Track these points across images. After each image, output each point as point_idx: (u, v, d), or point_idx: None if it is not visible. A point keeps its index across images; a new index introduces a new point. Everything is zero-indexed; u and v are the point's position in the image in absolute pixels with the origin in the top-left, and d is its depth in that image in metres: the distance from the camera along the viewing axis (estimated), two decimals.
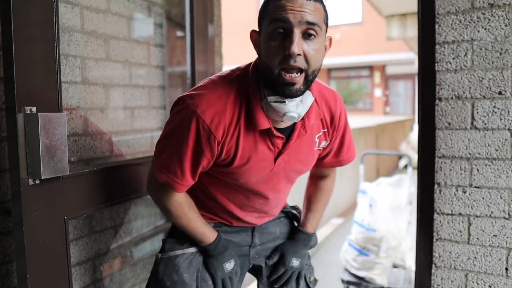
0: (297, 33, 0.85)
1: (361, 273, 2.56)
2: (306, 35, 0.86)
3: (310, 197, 1.31)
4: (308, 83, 0.91)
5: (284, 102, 0.90)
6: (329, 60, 13.32)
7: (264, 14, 0.90)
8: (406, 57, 11.94)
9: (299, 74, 0.88)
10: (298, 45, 0.85)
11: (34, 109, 0.95)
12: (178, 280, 1.10)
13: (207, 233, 1.11)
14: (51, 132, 0.96)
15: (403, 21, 7.37)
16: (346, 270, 2.66)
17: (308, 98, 0.94)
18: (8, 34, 0.91)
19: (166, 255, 1.14)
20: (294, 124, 0.99)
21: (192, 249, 1.14)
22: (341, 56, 13.44)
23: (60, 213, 1.05)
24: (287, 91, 0.88)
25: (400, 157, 8.49)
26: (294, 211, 1.31)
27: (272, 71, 0.88)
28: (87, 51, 1.37)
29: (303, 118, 0.99)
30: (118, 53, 1.50)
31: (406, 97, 14.17)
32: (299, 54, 0.85)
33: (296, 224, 1.31)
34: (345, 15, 13.43)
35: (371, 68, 14.32)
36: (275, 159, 1.02)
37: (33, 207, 0.96)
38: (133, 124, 1.60)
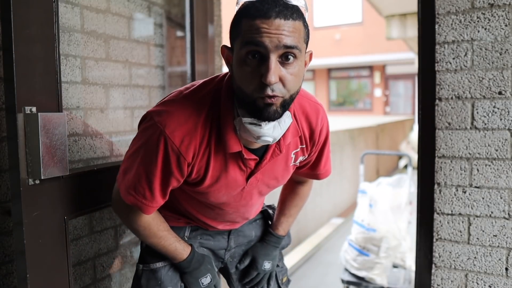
0: (273, 59, 0.76)
1: (361, 273, 2.56)
2: (284, 58, 0.78)
3: (285, 201, 1.25)
4: (286, 107, 0.82)
5: (260, 125, 0.82)
6: (329, 60, 13.32)
7: (236, 32, 0.81)
8: (406, 57, 11.95)
9: (275, 98, 0.79)
10: (275, 73, 0.76)
11: (34, 109, 0.95)
12: None
13: (179, 249, 1.06)
14: (51, 132, 0.96)
15: (403, 21, 7.37)
16: (346, 270, 2.66)
17: (286, 120, 0.86)
18: (8, 34, 0.91)
19: (147, 267, 1.10)
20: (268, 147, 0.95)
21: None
22: (341, 56, 13.44)
23: (60, 213, 1.05)
24: (265, 113, 0.80)
25: (400, 157, 8.49)
26: (270, 211, 1.29)
27: (248, 97, 0.80)
28: (87, 51, 1.37)
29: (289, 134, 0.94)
30: (118, 53, 1.50)
31: (406, 97, 14.17)
32: (274, 83, 0.76)
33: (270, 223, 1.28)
34: (345, 15, 13.43)
35: (371, 68, 14.33)
36: (247, 179, 0.98)
37: (33, 207, 0.96)
38: (133, 124, 1.60)
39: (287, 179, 1.09)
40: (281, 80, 0.78)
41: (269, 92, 0.77)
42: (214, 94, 0.90)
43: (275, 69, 0.76)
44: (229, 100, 0.89)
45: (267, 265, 1.21)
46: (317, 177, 1.15)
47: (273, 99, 0.78)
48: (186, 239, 1.14)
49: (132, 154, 0.94)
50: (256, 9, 0.76)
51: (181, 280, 1.12)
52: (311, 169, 1.12)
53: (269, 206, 1.31)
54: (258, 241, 1.24)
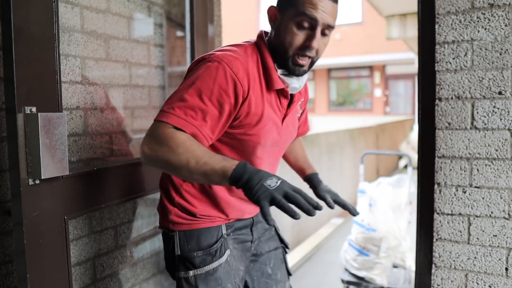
0: (319, 30, 0.99)
1: (361, 273, 2.56)
2: (322, 33, 1.01)
3: (293, 151, 1.40)
4: (311, 67, 1.06)
5: (291, 76, 1.05)
6: (329, 60, 13.31)
7: (292, 1, 0.99)
8: (406, 57, 11.94)
9: (308, 59, 1.03)
10: (317, 41, 0.99)
11: (34, 109, 0.95)
12: None
13: (225, 158, 0.91)
14: (51, 132, 0.96)
15: (403, 21, 7.37)
16: (346, 270, 2.66)
17: (305, 75, 1.09)
18: (8, 34, 0.91)
19: (201, 271, 1.06)
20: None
21: (224, 256, 1.10)
22: (341, 56, 13.43)
23: (60, 213, 1.05)
24: (296, 71, 1.03)
25: (400, 157, 8.49)
26: None
27: (287, 52, 1.01)
28: (87, 51, 1.37)
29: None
30: (118, 53, 1.50)
31: (406, 97, 14.17)
32: (315, 48, 1.00)
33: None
34: (345, 15, 13.43)
35: (371, 68, 14.32)
36: (282, 121, 1.11)
37: (33, 207, 0.96)
38: (133, 124, 1.60)
39: (296, 131, 1.25)
40: (317, 47, 1.01)
41: (308, 52, 1.00)
42: (255, 47, 1.07)
43: (318, 38, 0.99)
44: (267, 51, 1.06)
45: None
46: (303, 132, 1.36)
47: (305, 61, 1.02)
48: (226, 236, 1.13)
49: (184, 84, 0.96)
50: None
51: (248, 195, 0.85)
52: (302, 125, 1.33)
53: None
54: (314, 187, 1.30)
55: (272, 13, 1.06)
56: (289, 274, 1.32)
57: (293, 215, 0.81)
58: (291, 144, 1.39)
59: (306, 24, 0.98)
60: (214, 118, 0.95)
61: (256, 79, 1.01)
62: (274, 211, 0.87)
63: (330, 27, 1.00)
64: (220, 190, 1.12)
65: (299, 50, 1.00)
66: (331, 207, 1.19)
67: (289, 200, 0.82)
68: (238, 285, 1.11)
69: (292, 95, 1.13)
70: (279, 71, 1.05)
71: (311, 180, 1.33)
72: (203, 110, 0.93)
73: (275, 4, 1.06)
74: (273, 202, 0.82)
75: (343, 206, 1.20)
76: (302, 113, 1.27)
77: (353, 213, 1.19)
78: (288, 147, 1.36)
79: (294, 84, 1.07)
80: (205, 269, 1.07)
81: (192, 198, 1.12)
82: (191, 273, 1.07)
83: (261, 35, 1.09)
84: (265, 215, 0.81)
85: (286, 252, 1.34)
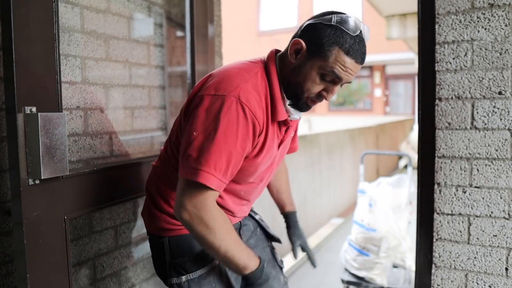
0: (339, 86, 1.01)
1: (361, 273, 2.56)
2: (340, 86, 1.02)
3: (275, 183, 1.38)
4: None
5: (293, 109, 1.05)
6: None
7: (326, 50, 0.95)
8: (406, 57, 11.94)
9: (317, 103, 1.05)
10: (334, 94, 1.02)
11: (34, 109, 0.95)
12: None
13: (250, 254, 0.98)
14: (51, 132, 0.96)
15: (403, 21, 7.37)
16: (346, 270, 2.66)
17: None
18: (8, 34, 0.91)
19: (193, 275, 1.04)
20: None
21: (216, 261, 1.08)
22: None
23: (60, 213, 1.05)
24: (304, 109, 1.05)
25: (400, 157, 8.49)
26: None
27: (303, 95, 1.01)
28: (87, 51, 1.37)
29: None
30: (118, 53, 1.50)
31: (406, 97, 14.17)
32: (328, 100, 1.03)
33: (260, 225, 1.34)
34: None
35: (371, 68, 14.32)
36: (279, 146, 1.11)
37: (33, 207, 0.96)
38: (133, 124, 1.60)
39: (285, 153, 1.23)
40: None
41: (320, 101, 1.04)
42: (263, 73, 1.03)
43: (335, 92, 1.01)
44: (277, 78, 1.03)
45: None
46: (292, 150, 1.30)
47: (315, 104, 1.04)
48: None
49: (206, 132, 0.91)
50: (355, 50, 0.96)
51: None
52: (292, 143, 1.29)
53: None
54: (289, 227, 1.36)
55: (299, 48, 0.99)
56: (281, 268, 1.31)
57: None
58: (278, 174, 1.38)
59: (329, 79, 0.98)
60: (238, 163, 0.96)
61: (265, 111, 1.00)
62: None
63: (348, 82, 1.01)
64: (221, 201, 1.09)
65: (314, 98, 1.02)
66: (294, 255, 1.29)
67: None
68: (233, 286, 1.09)
69: (288, 126, 1.11)
70: (288, 102, 1.04)
71: (288, 218, 1.37)
72: (231, 162, 0.93)
73: (303, 38, 0.99)
74: None
75: (308, 255, 1.31)
76: (293, 134, 1.24)
77: (314, 264, 1.31)
78: (274, 175, 1.36)
79: (296, 116, 1.08)
80: (198, 273, 1.05)
81: None
82: (183, 278, 1.05)
83: (273, 57, 1.05)
84: None
85: (273, 248, 1.33)
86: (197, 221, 0.92)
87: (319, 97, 1.01)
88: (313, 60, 0.97)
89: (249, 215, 1.30)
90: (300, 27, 1.02)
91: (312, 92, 1.00)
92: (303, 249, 1.33)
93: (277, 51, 1.08)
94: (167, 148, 1.13)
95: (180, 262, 1.06)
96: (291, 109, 1.04)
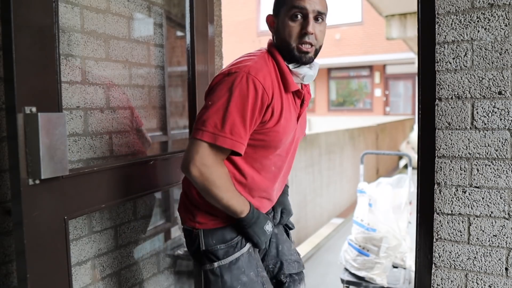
0: (311, 17, 1.12)
1: (361, 273, 2.56)
2: (316, 20, 1.14)
3: None
4: (316, 54, 1.17)
5: (300, 66, 1.16)
6: (329, 60, 13.31)
7: (282, 1, 1.15)
8: (406, 57, 11.93)
9: (310, 46, 1.14)
10: (312, 27, 1.12)
11: (34, 109, 0.95)
12: (247, 281, 1.17)
13: (245, 201, 1.15)
14: (51, 132, 0.96)
15: (403, 21, 7.37)
16: (346, 270, 2.66)
17: (315, 64, 1.21)
18: (8, 34, 0.91)
19: (224, 262, 1.17)
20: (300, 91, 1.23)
21: (246, 247, 1.20)
22: (341, 56, 13.43)
23: (60, 213, 1.05)
24: (303, 58, 1.14)
25: (400, 157, 8.49)
26: None
27: (290, 44, 1.13)
28: (87, 51, 1.37)
29: (304, 85, 1.26)
30: (118, 53, 1.50)
31: (406, 97, 14.16)
32: (312, 33, 1.12)
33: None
34: (345, 15, 13.42)
35: (371, 68, 14.32)
36: (297, 119, 1.23)
37: (33, 207, 0.96)
38: (133, 124, 1.60)
39: (305, 129, 1.36)
40: (314, 34, 1.13)
41: (307, 39, 1.12)
42: (267, 53, 1.18)
43: (312, 25, 1.12)
44: (280, 56, 1.17)
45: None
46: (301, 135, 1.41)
47: (309, 48, 1.13)
48: None
49: (220, 101, 1.05)
50: None
51: (245, 236, 1.19)
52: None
53: None
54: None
55: (270, 20, 1.20)
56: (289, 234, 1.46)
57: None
58: None
59: (298, 15, 1.12)
60: (250, 128, 1.08)
61: (276, 84, 1.13)
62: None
63: (321, 13, 1.13)
64: (250, 197, 1.21)
65: (299, 39, 1.13)
66: (273, 221, 1.34)
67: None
68: (260, 272, 1.21)
69: (303, 98, 1.24)
70: (291, 66, 1.16)
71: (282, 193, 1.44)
72: (243, 124, 1.05)
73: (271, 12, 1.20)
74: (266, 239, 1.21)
75: (282, 217, 1.38)
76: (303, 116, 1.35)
77: (290, 227, 1.44)
78: None
79: (309, 72, 1.18)
80: (228, 260, 1.17)
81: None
82: (215, 264, 1.17)
83: (271, 43, 1.20)
84: (261, 247, 1.21)
85: (288, 230, 1.46)
86: (206, 177, 1.06)
87: (303, 35, 1.12)
88: (281, 15, 1.15)
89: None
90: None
91: (294, 35, 1.12)
92: (282, 214, 1.39)
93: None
94: None
95: (212, 250, 1.19)
96: (299, 70, 1.16)
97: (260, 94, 1.06)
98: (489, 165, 1.23)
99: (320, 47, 1.18)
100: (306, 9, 1.11)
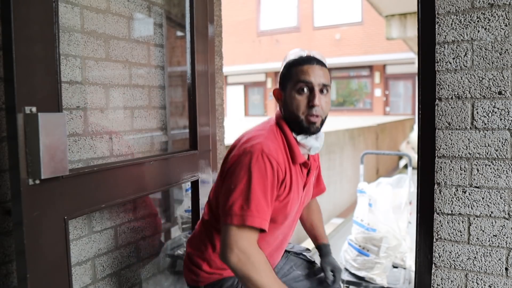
0: (317, 90, 1.16)
1: (361, 273, 2.56)
2: (321, 92, 1.18)
3: (308, 218, 1.53)
4: (322, 124, 1.22)
5: (308, 138, 1.21)
6: (329, 60, 13.22)
7: (288, 76, 1.20)
8: (406, 57, 11.93)
9: (317, 117, 1.18)
10: (318, 99, 1.16)
11: (34, 109, 0.94)
12: None
13: (283, 286, 1.11)
14: (51, 132, 0.96)
15: (403, 21, 7.37)
16: (346, 270, 2.66)
17: (321, 135, 1.25)
18: (8, 34, 0.91)
19: None
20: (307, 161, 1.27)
21: None
22: (341, 56, 13.43)
23: (60, 213, 1.05)
24: (311, 129, 1.19)
25: (400, 157, 8.49)
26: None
27: (298, 116, 1.18)
28: (87, 51, 1.37)
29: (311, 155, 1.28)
30: (118, 53, 1.50)
31: (406, 97, 14.16)
32: (318, 106, 1.16)
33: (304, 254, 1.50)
34: (345, 14, 13.42)
35: (371, 68, 14.32)
36: (304, 188, 1.27)
37: (33, 207, 0.96)
38: (133, 124, 1.60)
39: (311, 193, 1.39)
40: (320, 105, 1.17)
41: (314, 111, 1.16)
42: (275, 127, 1.23)
43: (318, 97, 1.16)
44: (288, 128, 1.22)
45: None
46: (319, 192, 1.50)
47: (316, 118, 1.17)
48: None
49: (241, 183, 1.08)
50: (303, 59, 1.19)
51: None
52: (317, 186, 1.47)
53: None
54: (322, 256, 1.46)
55: (277, 93, 1.25)
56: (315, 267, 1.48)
57: None
58: (310, 209, 1.54)
59: (305, 89, 1.17)
60: (271, 204, 1.11)
61: (285, 157, 1.18)
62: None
63: (325, 85, 1.18)
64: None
65: (307, 111, 1.17)
66: (327, 281, 1.38)
67: None
68: None
69: (309, 168, 1.28)
70: (299, 138, 1.20)
71: (321, 250, 1.48)
72: (266, 201, 1.08)
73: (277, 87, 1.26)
74: None
75: (335, 276, 1.39)
76: (317, 176, 1.44)
77: (334, 284, 1.40)
78: (306, 211, 1.53)
79: (315, 144, 1.22)
80: None
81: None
82: None
83: (279, 115, 1.25)
84: None
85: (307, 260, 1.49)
86: (244, 262, 1.05)
87: (311, 108, 1.16)
88: (288, 89, 1.20)
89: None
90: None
91: (302, 108, 1.17)
92: (333, 273, 1.41)
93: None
94: (208, 213, 1.30)
95: None
96: (306, 142, 1.20)
97: (276, 171, 1.11)
98: (489, 165, 1.23)
99: (326, 117, 1.22)
100: (312, 82, 1.16)
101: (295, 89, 1.18)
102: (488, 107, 1.22)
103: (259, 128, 1.24)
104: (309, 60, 1.19)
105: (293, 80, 1.18)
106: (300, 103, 1.17)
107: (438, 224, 1.30)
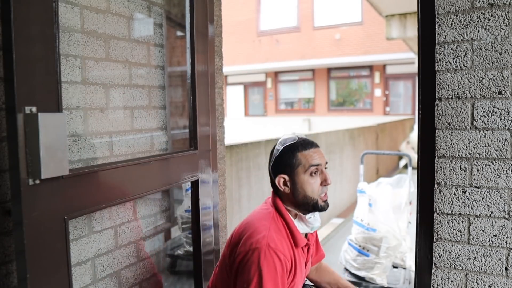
0: (324, 170, 1.29)
1: (361, 273, 2.56)
2: (325, 169, 1.30)
3: (323, 281, 1.58)
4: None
5: (315, 216, 1.33)
6: (329, 60, 13.31)
7: (295, 163, 1.27)
8: (406, 57, 11.93)
9: (326, 195, 1.30)
10: (329, 177, 1.28)
11: (34, 109, 0.94)
12: None
13: None
14: (51, 132, 0.96)
15: (403, 21, 7.37)
16: (346, 270, 2.66)
17: (316, 214, 1.34)
18: (8, 34, 0.91)
19: None
20: (306, 237, 1.35)
21: None
22: (341, 56, 13.43)
23: (60, 213, 1.04)
24: (326, 206, 1.30)
25: (400, 157, 8.49)
26: None
27: (314, 198, 1.27)
28: (87, 51, 1.37)
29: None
30: (118, 53, 1.50)
31: (406, 97, 14.15)
32: (331, 183, 1.28)
33: None
34: (345, 14, 13.42)
35: (371, 68, 14.31)
36: (305, 265, 1.35)
37: (33, 207, 0.96)
38: (133, 124, 1.60)
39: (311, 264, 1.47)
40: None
41: (326, 189, 1.29)
42: (275, 215, 1.28)
43: (328, 175, 1.28)
44: (288, 214, 1.29)
45: None
46: (319, 259, 1.56)
47: (327, 196, 1.30)
48: None
49: (253, 282, 1.13)
50: (307, 144, 1.29)
51: None
52: (315, 253, 1.52)
53: None
54: None
55: (283, 180, 1.29)
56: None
57: None
58: (324, 271, 1.59)
59: (316, 171, 1.27)
60: None
61: (289, 245, 1.24)
62: None
63: (326, 163, 1.31)
64: None
65: (321, 190, 1.27)
66: None
67: None
68: None
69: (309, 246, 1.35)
70: (307, 216, 1.30)
71: None
72: None
73: (279, 173, 1.29)
74: None
75: None
76: (315, 245, 1.50)
77: None
78: (317, 274, 1.58)
79: (317, 223, 1.33)
80: None
81: None
82: None
83: (279, 202, 1.30)
84: None
85: None
86: None
87: (324, 188, 1.28)
88: (296, 175, 1.27)
89: None
90: (269, 169, 1.34)
91: (316, 190, 1.27)
92: None
93: (273, 194, 1.34)
94: (221, 272, 1.32)
95: None
96: (311, 221, 1.30)
97: (283, 263, 1.17)
98: (489, 165, 1.23)
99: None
100: (322, 164, 1.28)
101: (307, 174, 1.26)
102: (488, 107, 1.22)
103: (260, 217, 1.28)
104: (311, 144, 1.30)
105: (303, 165, 1.26)
106: (314, 186, 1.27)
107: (438, 224, 1.30)
